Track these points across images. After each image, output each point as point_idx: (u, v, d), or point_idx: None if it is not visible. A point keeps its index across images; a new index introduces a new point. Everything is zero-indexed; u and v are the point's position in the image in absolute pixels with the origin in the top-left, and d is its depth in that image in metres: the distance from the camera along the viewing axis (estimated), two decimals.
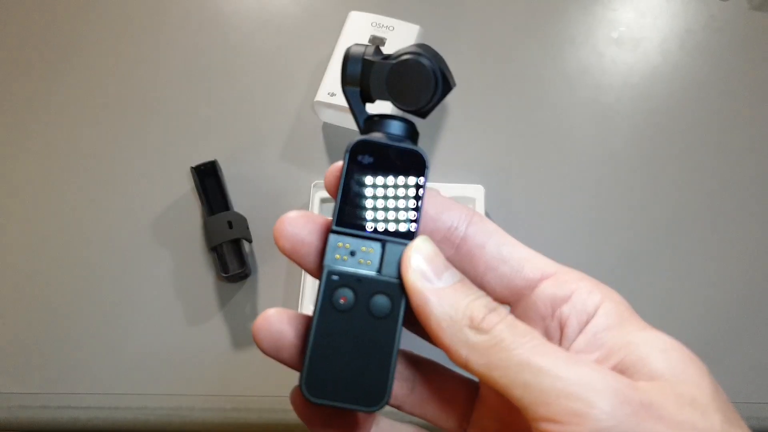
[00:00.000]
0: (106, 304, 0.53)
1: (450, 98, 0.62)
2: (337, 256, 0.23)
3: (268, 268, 0.54)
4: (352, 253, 0.23)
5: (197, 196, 0.57)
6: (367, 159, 0.24)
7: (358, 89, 0.25)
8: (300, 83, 0.63)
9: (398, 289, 0.23)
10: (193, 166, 0.57)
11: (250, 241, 0.54)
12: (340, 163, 0.24)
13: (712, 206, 0.56)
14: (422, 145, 0.25)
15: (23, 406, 0.49)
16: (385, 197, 0.24)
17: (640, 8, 0.67)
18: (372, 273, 0.23)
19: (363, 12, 0.61)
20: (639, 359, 0.21)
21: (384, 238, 0.23)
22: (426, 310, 0.21)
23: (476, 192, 0.54)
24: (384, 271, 0.23)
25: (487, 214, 0.54)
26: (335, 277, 0.23)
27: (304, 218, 0.24)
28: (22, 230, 0.57)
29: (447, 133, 0.60)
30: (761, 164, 0.58)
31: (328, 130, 0.60)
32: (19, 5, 0.69)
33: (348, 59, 0.25)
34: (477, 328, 0.21)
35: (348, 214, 0.24)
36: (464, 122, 0.61)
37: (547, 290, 0.23)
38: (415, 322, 0.24)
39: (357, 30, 0.60)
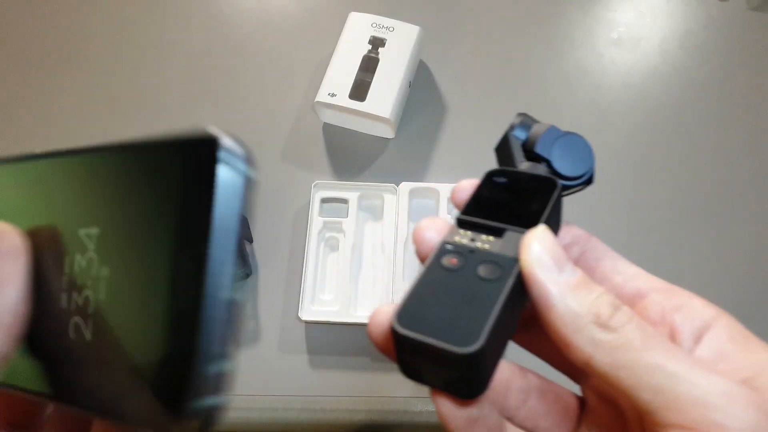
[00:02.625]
0: None
1: (450, 98, 0.62)
2: (456, 238, 0.23)
3: (268, 268, 0.54)
4: (472, 240, 0.23)
5: None
6: (501, 179, 0.25)
7: (519, 143, 0.27)
8: (300, 84, 0.63)
9: (513, 261, 0.21)
10: None
11: (251, 241, 0.54)
12: (469, 181, 0.25)
13: (711, 207, 0.56)
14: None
15: None
16: (514, 201, 0.24)
17: (640, 8, 0.67)
18: (487, 249, 0.22)
19: (363, 13, 0.61)
20: None
21: (506, 226, 0.23)
22: (548, 303, 0.20)
23: None
24: (500, 249, 0.22)
25: None
26: (448, 246, 0.22)
27: (439, 222, 0.24)
28: None
29: (447, 133, 0.60)
30: (760, 165, 0.58)
31: (329, 130, 0.60)
32: (17, 2, 0.69)
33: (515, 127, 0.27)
34: (604, 325, 0.20)
35: (474, 207, 0.24)
36: (464, 122, 0.61)
37: (657, 299, 0.23)
38: (524, 328, 0.23)
39: (357, 31, 0.60)
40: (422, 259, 0.24)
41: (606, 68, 0.63)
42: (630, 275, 0.24)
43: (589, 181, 0.26)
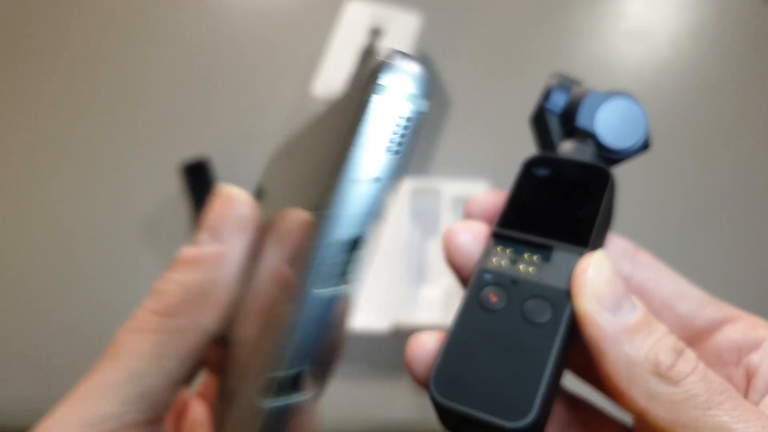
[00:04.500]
0: (92, 309, 0.51)
1: (453, 90, 0.60)
2: (495, 260, 0.20)
3: None
4: (513, 261, 0.20)
5: (187, 196, 0.55)
6: (542, 171, 0.22)
7: (556, 117, 0.23)
8: (295, 77, 0.61)
9: (564, 297, 0.19)
10: (183, 164, 0.55)
11: None
12: (486, 195, 0.22)
13: (723, 204, 0.55)
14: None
15: (6, 411, 0.48)
16: (559, 203, 0.21)
17: (650, 0, 0.65)
18: (532, 277, 0.19)
19: (361, 1, 0.59)
20: None
21: (552, 242, 0.20)
22: (601, 347, 0.18)
23: (480, 188, 0.52)
24: (547, 277, 0.19)
25: None
26: (487, 276, 0.20)
27: (474, 226, 0.22)
28: (0, 232, 0.55)
29: (450, 127, 0.58)
30: None
31: None
32: None
33: (554, 87, 0.24)
34: (664, 376, 0.17)
35: (514, 215, 0.21)
36: (468, 115, 0.59)
37: (732, 335, 0.21)
38: (579, 361, 0.21)
39: (355, 20, 0.58)
40: (453, 268, 0.21)
41: (615, 61, 0.62)
42: (696, 302, 0.21)
43: (644, 147, 0.23)
